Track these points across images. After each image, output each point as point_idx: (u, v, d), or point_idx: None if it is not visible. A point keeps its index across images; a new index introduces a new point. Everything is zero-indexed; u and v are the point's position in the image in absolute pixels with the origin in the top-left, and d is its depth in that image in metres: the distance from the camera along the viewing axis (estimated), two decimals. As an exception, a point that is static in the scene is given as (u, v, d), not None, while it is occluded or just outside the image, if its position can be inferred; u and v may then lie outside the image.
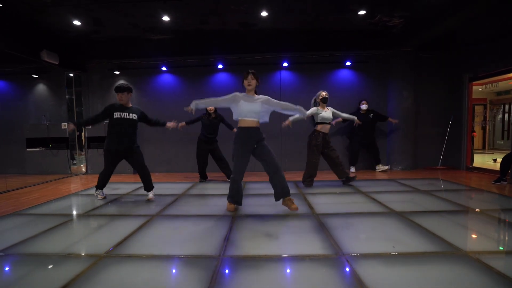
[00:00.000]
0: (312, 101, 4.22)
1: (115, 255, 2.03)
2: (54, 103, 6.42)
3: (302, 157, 5.95)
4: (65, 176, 5.81)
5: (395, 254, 1.93)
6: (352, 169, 5.75)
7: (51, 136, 6.15)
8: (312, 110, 4.10)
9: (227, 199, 3.11)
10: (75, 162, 6.43)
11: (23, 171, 6.17)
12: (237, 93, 2.97)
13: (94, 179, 5.32)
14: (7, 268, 1.89)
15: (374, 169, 5.81)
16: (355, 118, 4.65)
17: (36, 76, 6.39)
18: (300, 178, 4.49)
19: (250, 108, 2.88)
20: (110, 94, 6.28)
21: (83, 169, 6.24)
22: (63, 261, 1.97)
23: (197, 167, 4.95)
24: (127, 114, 3.43)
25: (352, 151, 5.77)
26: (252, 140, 2.92)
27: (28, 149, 6.17)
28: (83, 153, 6.40)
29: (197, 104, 2.97)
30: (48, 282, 1.70)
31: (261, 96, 3.02)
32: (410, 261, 1.84)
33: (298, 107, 3.07)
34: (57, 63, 5.47)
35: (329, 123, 4.18)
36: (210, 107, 4.71)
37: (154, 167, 5.97)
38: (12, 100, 6.45)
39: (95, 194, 3.76)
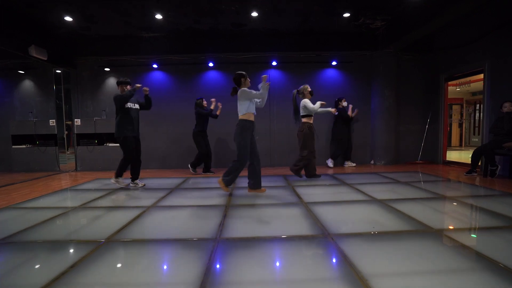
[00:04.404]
0: (295, 92, 4.31)
1: (117, 240, 2.15)
2: (41, 99, 6.33)
3: (292, 153, 6.17)
4: (54, 173, 5.77)
5: (375, 233, 2.15)
6: (352, 164, 6.01)
7: (38, 133, 6.08)
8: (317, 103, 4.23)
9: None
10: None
11: (9, 169, 6.07)
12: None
13: (84, 176, 5.34)
14: (10, 254, 1.97)
15: (343, 164, 6.05)
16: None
17: (23, 72, 6.29)
18: (288, 173, 4.67)
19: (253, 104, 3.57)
20: (100, 91, 6.27)
21: (72, 166, 6.20)
22: (67, 246, 2.07)
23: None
24: (133, 104, 3.96)
25: (345, 147, 5.94)
26: (253, 130, 3.60)
27: (14, 146, 6.08)
28: (68, 152, 6.37)
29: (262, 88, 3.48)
30: (54, 264, 1.80)
31: None
32: (387, 238, 2.07)
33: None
34: (45, 59, 5.42)
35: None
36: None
37: (147, 163, 6.02)
38: (-3, 96, 6.32)
39: (130, 185, 4.12)
